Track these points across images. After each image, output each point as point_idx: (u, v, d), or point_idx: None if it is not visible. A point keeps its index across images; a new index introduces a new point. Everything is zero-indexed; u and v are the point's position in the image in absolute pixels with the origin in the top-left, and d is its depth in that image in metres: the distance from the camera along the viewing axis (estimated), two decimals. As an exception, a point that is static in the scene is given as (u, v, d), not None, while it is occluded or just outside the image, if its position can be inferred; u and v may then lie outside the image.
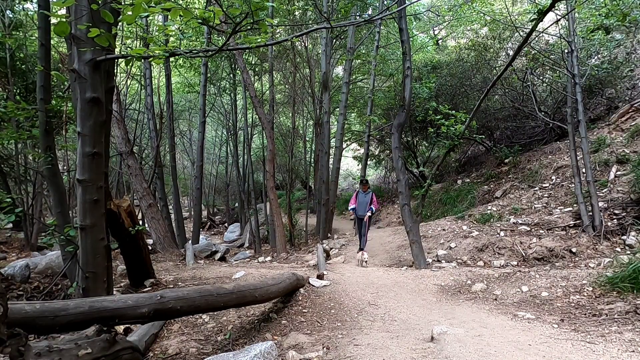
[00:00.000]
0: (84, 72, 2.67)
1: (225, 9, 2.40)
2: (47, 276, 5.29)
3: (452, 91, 10.80)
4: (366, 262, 6.21)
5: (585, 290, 3.67)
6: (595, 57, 8.96)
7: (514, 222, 6.64)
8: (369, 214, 6.99)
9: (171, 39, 8.84)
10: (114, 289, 4.07)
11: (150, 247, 6.99)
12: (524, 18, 10.49)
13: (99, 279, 2.92)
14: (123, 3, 2.77)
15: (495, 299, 3.99)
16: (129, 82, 11.38)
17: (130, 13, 2.18)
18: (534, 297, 3.83)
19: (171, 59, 10.68)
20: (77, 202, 2.88)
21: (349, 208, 7.48)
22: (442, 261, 6.06)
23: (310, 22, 11.09)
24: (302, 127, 14.57)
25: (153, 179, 9.60)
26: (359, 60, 13.32)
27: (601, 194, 6.19)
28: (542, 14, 3.61)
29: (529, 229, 6.24)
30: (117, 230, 4.21)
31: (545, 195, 7.44)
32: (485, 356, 2.33)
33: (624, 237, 5.18)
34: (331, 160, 11.46)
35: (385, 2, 9.77)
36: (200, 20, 2.39)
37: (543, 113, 9.20)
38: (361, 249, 6.95)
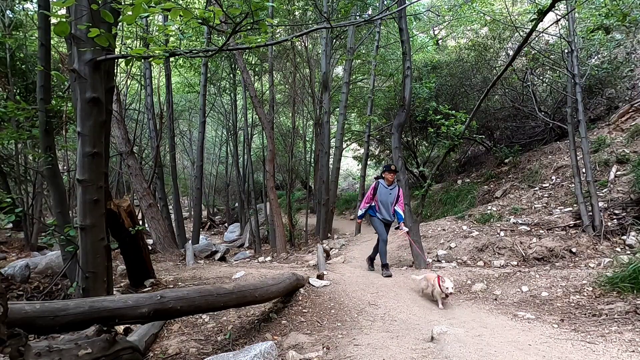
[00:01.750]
0: (84, 72, 2.67)
1: (225, 9, 2.40)
2: (47, 276, 5.29)
3: (452, 91, 10.80)
4: (451, 294, 3.83)
5: (585, 290, 3.67)
6: (595, 57, 8.96)
7: (514, 222, 6.64)
8: (403, 227, 5.04)
9: (171, 39, 8.86)
10: (114, 289, 4.07)
11: (150, 247, 6.99)
12: (524, 18, 10.48)
13: (99, 279, 2.92)
14: (123, 3, 2.77)
15: (495, 299, 3.99)
16: (129, 82, 11.38)
17: (130, 13, 2.18)
18: (534, 297, 3.83)
19: (171, 59, 10.69)
20: (77, 202, 2.88)
21: (360, 212, 5.29)
22: (442, 261, 6.06)
23: (310, 22, 11.09)
24: (302, 127, 14.57)
25: (153, 179, 9.60)
26: (359, 60, 13.32)
27: (601, 194, 6.18)
28: (542, 14, 3.61)
29: (529, 229, 6.24)
30: (117, 230, 4.21)
31: (545, 195, 7.44)
32: (485, 356, 2.33)
33: (624, 237, 5.18)
34: (331, 160, 11.46)
35: (385, 2, 9.77)
36: (200, 20, 2.39)
37: (543, 113, 9.20)
38: (385, 265, 5.18)
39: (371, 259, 5.55)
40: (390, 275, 5.01)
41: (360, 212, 5.30)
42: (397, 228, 5.21)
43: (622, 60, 8.61)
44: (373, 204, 5.24)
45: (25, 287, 4.61)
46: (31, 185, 9.05)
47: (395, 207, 5.12)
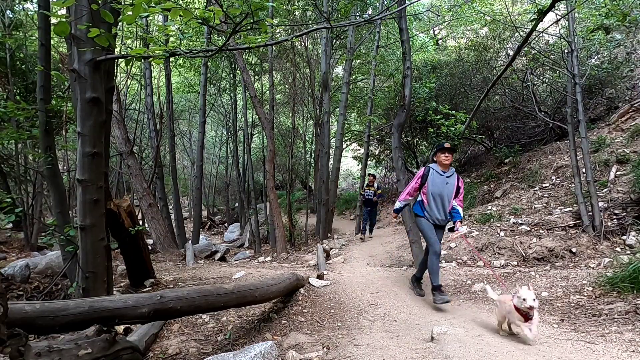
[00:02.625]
0: (84, 72, 2.67)
1: (225, 9, 2.40)
2: (47, 276, 5.29)
3: (452, 91, 10.80)
4: (531, 308, 2.53)
5: (585, 290, 3.66)
6: (595, 57, 8.96)
7: (514, 222, 6.64)
8: (460, 227, 3.71)
9: (171, 39, 8.86)
10: (114, 289, 4.07)
11: (150, 247, 6.99)
12: (524, 18, 10.48)
13: (99, 279, 2.91)
14: (123, 3, 2.77)
15: (495, 299, 3.98)
16: (129, 82, 11.38)
17: (130, 13, 2.18)
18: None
19: (171, 59, 10.69)
20: (77, 202, 2.88)
21: (398, 205, 3.99)
22: (442, 261, 6.05)
23: (310, 22, 11.09)
24: (302, 127, 14.58)
25: (153, 179, 9.60)
26: (359, 60, 13.32)
27: (601, 194, 6.18)
28: (542, 14, 3.60)
29: (529, 229, 6.23)
30: (117, 230, 4.21)
31: (545, 195, 7.44)
32: (485, 356, 2.33)
33: (624, 237, 5.17)
34: (331, 160, 11.47)
35: (385, 2, 9.77)
36: (200, 20, 2.39)
37: (543, 113, 9.20)
38: (437, 287, 3.71)
39: (417, 279, 4.17)
40: (447, 301, 3.63)
41: (398, 205, 3.96)
42: (450, 229, 3.92)
43: (622, 60, 8.61)
44: (420, 197, 3.86)
45: (25, 287, 4.61)
46: (31, 185, 9.05)
47: (453, 202, 3.82)
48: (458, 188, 3.85)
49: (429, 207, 3.83)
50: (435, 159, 3.95)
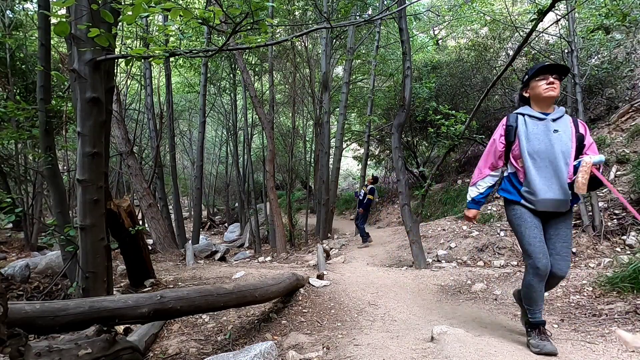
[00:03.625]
0: (84, 72, 2.67)
1: (225, 9, 2.40)
2: (47, 276, 5.29)
3: (452, 91, 10.80)
4: None
5: (585, 290, 3.67)
6: (595, 57, 8.97)
7: (514, 222, 6.64)
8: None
9: (171, 39, 8.86)
10: (114, 289, 4.07)
11: (150, 247, 6.99)
12: (524, 18, 10.49)
13: (99, 279, 2.92)
14: (123, 3, 2.77)
15: (496, 299, 3.98)
16: (129, 82, 11.38)
17: (130, 13, 2.18)
18: (534, 297, 3.83)
19: (171, 59, 10.69)
20: (77, 202, 2.88)
21: (475, 193, 2.55)
22: (442, 261, 6.06)
23: (310, 22, 11.09)
24: (302, 127, 14.59)
25: (153, 179, 9.60)
26: (359, 60, 13.33)
27: (601, 194, 6.18)
28: (542, 14, 3.60)
29: (529, 229, 6.24)
30: (117, 230, 4.21)
31: (545, 195, 7.44)
32: (485, 356, 2.32)
33: (624, 237, 5.17)
34: (331, 160, 11.47)
35: (385, 2, 9.77)
36: (200, 20, 2.39)
37: (543, 113, 9.19)
38: (537, 325, 2.42)
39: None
40: (553, 354, 2.26)
41: (472, 193, 2.54)
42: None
43: (622, 60, 8.61)
44: (509, 169, 2.35)
45: (25, 287, 4.61)
46: (31, 185, 9.05)
47: (585, 156, 2.09)
48: (580, 138, 2.18)
49: (530, 181, 2.17)
50: (526, 94, 2.31)
